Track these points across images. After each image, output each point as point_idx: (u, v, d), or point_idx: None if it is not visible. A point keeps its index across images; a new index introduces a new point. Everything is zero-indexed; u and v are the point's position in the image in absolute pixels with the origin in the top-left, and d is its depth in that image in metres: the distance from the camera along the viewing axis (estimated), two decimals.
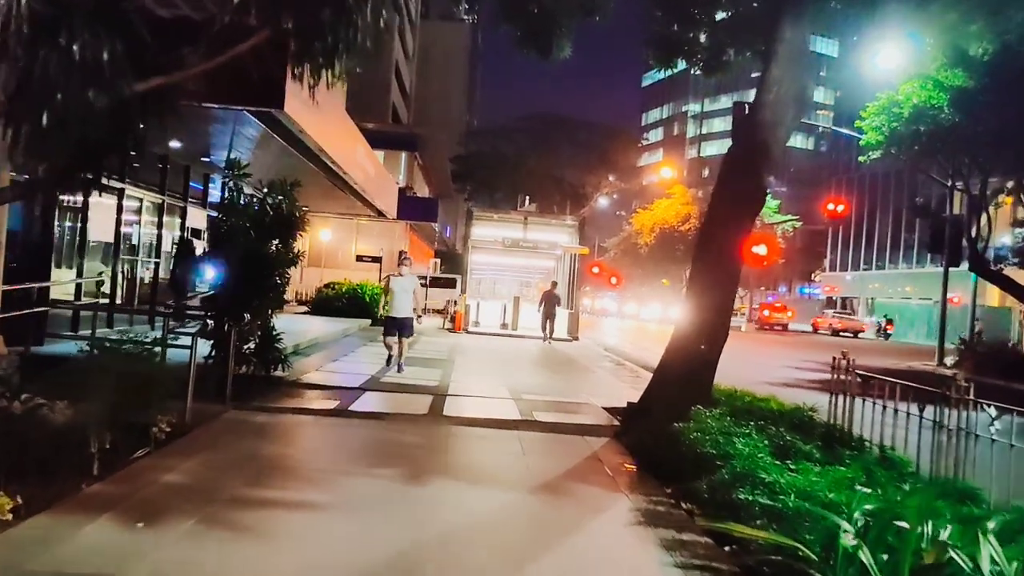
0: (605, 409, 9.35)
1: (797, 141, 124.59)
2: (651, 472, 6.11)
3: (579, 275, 25.75)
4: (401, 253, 12.29)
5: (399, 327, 11.86)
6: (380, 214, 23.11)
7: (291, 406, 8.08)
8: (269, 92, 9.15)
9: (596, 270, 52.21)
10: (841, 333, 48.64)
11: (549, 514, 5.08)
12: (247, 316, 8.30)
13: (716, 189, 8.35)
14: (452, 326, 23.67)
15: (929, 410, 5.38)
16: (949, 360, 23.60)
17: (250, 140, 12.06)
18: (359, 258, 35.60)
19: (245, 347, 8.73)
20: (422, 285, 14.09)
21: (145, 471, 5.24)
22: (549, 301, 21.63)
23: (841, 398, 6.88)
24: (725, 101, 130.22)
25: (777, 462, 4.94)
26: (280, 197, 9.20)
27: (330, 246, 41.14)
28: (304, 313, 23.83)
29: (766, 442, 5.36)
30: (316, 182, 17.32)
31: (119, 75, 4.28)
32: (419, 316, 12.35)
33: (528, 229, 25.50)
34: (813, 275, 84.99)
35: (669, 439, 6.00)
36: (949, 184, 24.41)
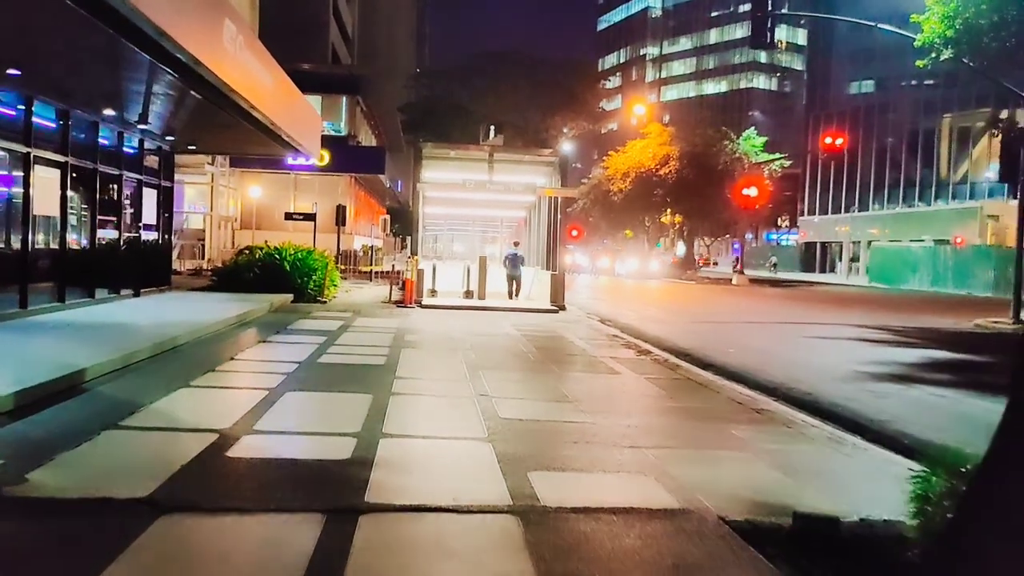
0: (740, 534, 3.92)
1: (759, 82, 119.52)
2: None
3: (561, 226, 20.24)
4: None
5: None
6: (298, 152, 17.10)
7: None
8: None
9: None
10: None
11: None
12: None
13: None
14: (401, 297, 18.09)
15: None
16: None
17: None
18: (288, 216, 29.53)
19: None
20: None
21: None
22: (512, 262, 19.63)
23: None
24: (685, 43, 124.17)
25: None
26: None
27: (264, 205, 34.84)
28: (204, 289, 18.00)
29: None
30: (180, 99, 11.43)
31: None
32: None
33: (495, 169, 19.70)
34: (779, 220, 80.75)
35: None
36: None
